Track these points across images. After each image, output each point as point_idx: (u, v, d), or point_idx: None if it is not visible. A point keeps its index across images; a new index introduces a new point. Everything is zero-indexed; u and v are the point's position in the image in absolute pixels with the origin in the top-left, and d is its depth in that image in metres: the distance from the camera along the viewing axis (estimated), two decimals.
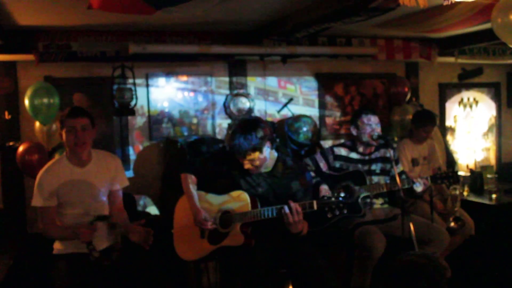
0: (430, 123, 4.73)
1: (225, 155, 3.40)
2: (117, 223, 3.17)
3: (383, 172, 3.99)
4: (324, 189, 3.73)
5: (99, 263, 2.98)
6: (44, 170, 3.18)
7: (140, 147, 5.23)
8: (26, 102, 4.42)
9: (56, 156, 3.35)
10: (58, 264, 3.13)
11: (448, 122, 6.71)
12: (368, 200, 3.91)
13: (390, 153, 3.76)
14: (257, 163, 3.16)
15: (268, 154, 3.20)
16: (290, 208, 3.00)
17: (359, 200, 3.76)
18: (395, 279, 1.89)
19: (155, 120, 5.22)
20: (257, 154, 3.11)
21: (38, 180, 3.14)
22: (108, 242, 3.24)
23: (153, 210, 5.16)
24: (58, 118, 3.25)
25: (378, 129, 3.91)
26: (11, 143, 4.68)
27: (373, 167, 3.97)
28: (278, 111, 5.61)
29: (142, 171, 5.19)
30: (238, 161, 3.24)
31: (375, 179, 3.94)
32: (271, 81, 5.69)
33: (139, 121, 5.21)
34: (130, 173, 5.11)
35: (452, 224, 4.20)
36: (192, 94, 5.36)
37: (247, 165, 3.17)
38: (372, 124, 3.89)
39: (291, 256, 3.19)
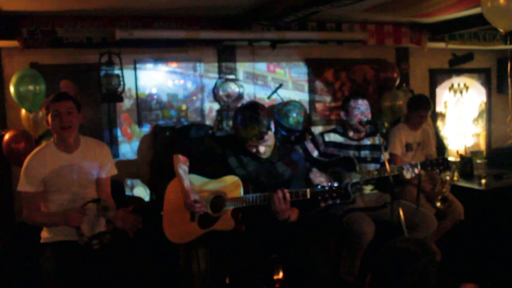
0: (424, 107, 4.73)
1: (219, 141, 3.38)
2: (109, 205, 3.12)
3: (374, 160, 3.98)
4: (317, 173, 3.71)
5: (89, 247, 2.95)
6: (31, 155, 3.15)
7: (129, 130, 5.18)
8: (12, 89, 4.34)
9: (43, 143, 3.29)
10: (46, 253, 3.10)
11: (439, 108, 6.72)
12: (358, 186, 3.91)
13: (379, 139, 3.74)
14: (269, 142, 3.16)
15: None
16: (278, 195, 2.98)
17: (349, 186, 3.75)
18: (386, 265, 1.87)
19: (143, 106, 5.17)
20: (269, 133, 3.12)
21: (25, 165, 3.11)
22: (98, 226, 3.20)
23: (141, 192, 5.13)
24: (44, 105, 3.20)
25: (367, 113, 3.90)
26: None
27: (363, 154, 3.96)
28: (268, 97, 5.57)
29: (132, 157, 5.17)
30: (232, 146, 3.25)
31: (366, 166, 3.93)
32: (261, 66, 5.65)
33: (127, 107, 5.15)
34: (119, 159, 5.08)
35: (439, 204, 4.22)
36: (181, 80, 5.30)
37: (259, 147, 3.14)
38: (361, 108, 3.88)
39: (281, 242, 3.18)
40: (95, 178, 3.30)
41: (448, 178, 4.39)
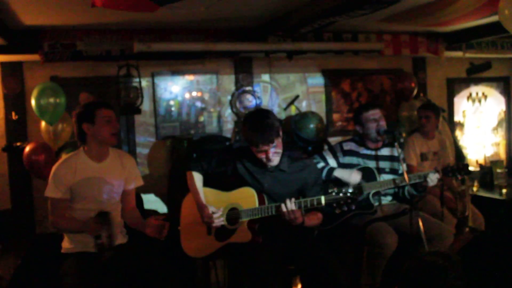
0: (427, 108, 4.74)
1: (232, 152, 3.38)
2: (111, 222, 3.13)
3: (392, 171, 3.93)
4: (341, 173, 3.70)
5: (100, 257, 2.97)
6: (60, 162, 3.17)
7: (146, 143, 5.23)
8: (33, 102, 4.43)
9: (63, 156, 3.33)
10: (66, 263, 3.10)
11: (457, 117, 6.66)
12: (378, 196, 3.88)
13: (397, 150, 3.70)
14: (278, 150, 3.13)
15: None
16: (286, 207, 2.96)
17: (370, 196, 3.73)
18: (414, 279, 1.85)
19: (161, 119, 5.22)
20: (279, 140, 3.10)
21: (53, 171, 3.12)
22: (116, 238, 3.22)
23: (160, 207, 5.16)
24: (78, 111, 3.18)
25: (382, 123, 3.87)
26: (18, 144, 4.70)
27: (382, 165, 3.92)
28: (285, 108, 5.59)
29: (149, 170, 5.20)
30: (245, 157, 3.23)
31: (385, 177, 3.90)
32: (277, 78, 5.66)
33: (145, 119, 5.21)
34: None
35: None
36: (198, 91, 5.35)
37: (269, 154, 3.11)
38: (375, 118, 3.84)
39: (299, 253, 3.16)
40: (121, 189, 3.33)
41: (465, 187, 4.35)
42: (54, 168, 3.14)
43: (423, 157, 4.67)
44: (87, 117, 3.12)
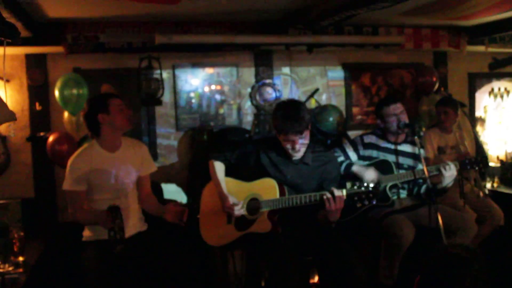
0: (445, 104, 4.71)
1: (256, 143, 3.41)
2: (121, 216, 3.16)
3: (411, 168, 3.91)
4: (359, 169, 3.70)
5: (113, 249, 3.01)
6: (76, 154, 3.24)
7: (167, 134, 5.30)
8: (56, 93, 4.51)
9: (85, 144, 3.40)
10: (87, 251, 3.17)
11: (478, 113, 6.58)
12: (395, 190, 3.88)
13: (418, 146, 3.66)
14: (305, 142, 3.16)
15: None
16: (333, 195, 2.97)
17: (387, 188, 3.73)
18: (437, 270, 1.86)
19: (182, 110, 5.27)
20: (308, 132, 3.14)
21: (69, 164, 3.19)
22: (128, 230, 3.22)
23: (180, 197, 5.21)
24: (90, 104, 3.25)
25: (404, 117, 3.85)
26: (41, 134, 4.79)
27: (401, 160, 3.91)
28: (304, 101, 5.57)
29: (169, 160, 5.26)
30: (270, 148, 3.27)
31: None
32: (297, 71, 5.66)
33: (166, 111, 5.26)
34: (157, 163, 5.18)
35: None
36: (218, 84, 5.38)
37: (296, 145, 3.13)
38: (396, 113, 3.83)
39: (317, 244, 3.18)
40: (136, 176, 3.39)
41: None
42: (69, 161, 3.21)
43: (440, 150, 4.65)
44: (102, 108, 3.19)
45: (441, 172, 3.55)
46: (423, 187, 3.81)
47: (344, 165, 3.78)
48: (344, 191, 2.99)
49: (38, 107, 4.96)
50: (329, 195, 2.96)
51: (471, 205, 4.35)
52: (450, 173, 3.55)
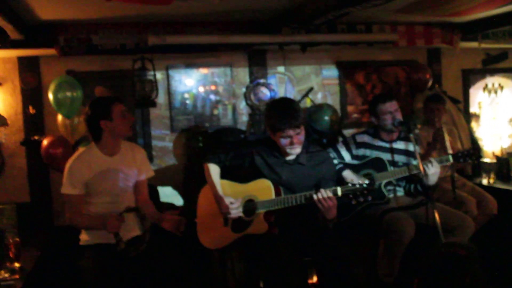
0: (434, 101, 4.79)
1: (250, 144, 3.40)
2: (145, 216, 3.20)
3: (406, 165, 3.91)
4: (349, 174, 3.69)
5: (126, 254, 3.01)
6: (74, 158, 3.20)
7: (161, 136, 5.28)
8: (50, 96, 4.48)
9: (80, 149, 3.37)
10: (85, 255, 3.15)
11: (473, 109, 6.60)
12: (392, 188, 3.88)
13: (413, 142, 3.67)
14: (301, 138, 3.15)
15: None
16: (322, 194, 2.97)
17: (382, 186, 3.73)
18: (436, 270, 1.86)
19: (176, 112, 5.25)
20: (303, 128, 3.13)
21: (67, 167, 3.16)
22: (135, 233, 3.25)
23: (176, 200, 5.20)
24: (92, 110, 3.19)
25: (398, 115, 3.85)
26: (35, 137, 4.76)
27: (396, 158, 3.90)
28: (299, 101, 5.57)
29: (164, 162, 5.24)
30: (264, 149, 3.26)
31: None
32: (292, 70, 5.66)
33: (161, 112, 5.24)
34: (152, 165, 5.16)
35: None
36: (212, 84, 5.37)
37: (292, 140, 3.11)
38: (391, 110, 3.83)
39: (315, 244, 3.17)
40: (134, 181, 3.37)
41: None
42: (68, 165, 3.18)
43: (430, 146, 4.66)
44: (105, 114, 3.14)
45: (425, 169, 3.54)
46: (418, 185, 3.81)
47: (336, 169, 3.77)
48: (339, 189, 2.99)
49: (31, 110, 4.93)
50: (317, 196, 2.97)
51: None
52: (433, 170, 3.54)
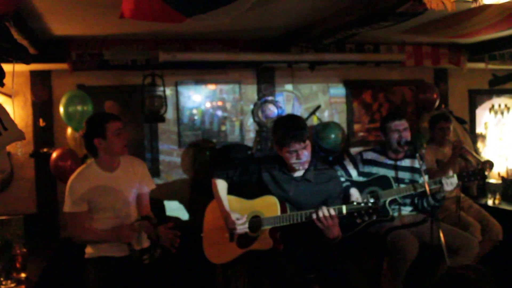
0: (441, 120, 4.82)
1: (257, 161, 3.43)
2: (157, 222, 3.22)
3: (412, 182, 3.93)
4: (355, 193, 3.71)
5: (140, 262, 3.03)
6: (74, 176, 3.23)
7: (169, 153, 5.31)
8: (61, 109, 4.56)
9: (81, 166, 3.39)
10: (90, 268, 3.18)
11: (479, 129, 6.61)
12: (397, 207, 3.89)
13: (418, 161, 3.70)
14: (308, 153, 3.17)
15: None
16: (322, 213, 2.99)
17: (387, 204, 3.74)
18: None
19: (184, 127, 5.30)
20: (309, 144, 3.16)
21: (68, 186, 3.20)
22: (144, 241, 3.25)
23: (182, 214, 5.22)
24: (87, 127, 3.23)
25: (406, 135, 3.88)
26: (45, 150, 4.81)
27: (401, 175, 3.93)
28: (306, 118, 5.61)
29: (172, 177, 5.28)
30: (271, 166, 3.29)
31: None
32: (300, 88, 5.71)
33: (169, 127, 5.29)
34: (159, 179, 5.20)
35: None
36: (221, 101, 5.42)
37: (299, 154, 3.13)
38: (399, 129, 3.86)
39: (319, 261, 3.18)
40: (136, 194, 3.40)
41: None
42: (68, 183, 3.20)
43: (438, 163, 4.68)
44: (98, 132, 3.16)
45: (443, 184, 3.62)
46: (424, 201, 3.82)
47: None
48: (344, 208, 3.01)
49: (41, 123, 4.99)
50: (316, 214, 2.98)
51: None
52: (451, 187, 3.61)
